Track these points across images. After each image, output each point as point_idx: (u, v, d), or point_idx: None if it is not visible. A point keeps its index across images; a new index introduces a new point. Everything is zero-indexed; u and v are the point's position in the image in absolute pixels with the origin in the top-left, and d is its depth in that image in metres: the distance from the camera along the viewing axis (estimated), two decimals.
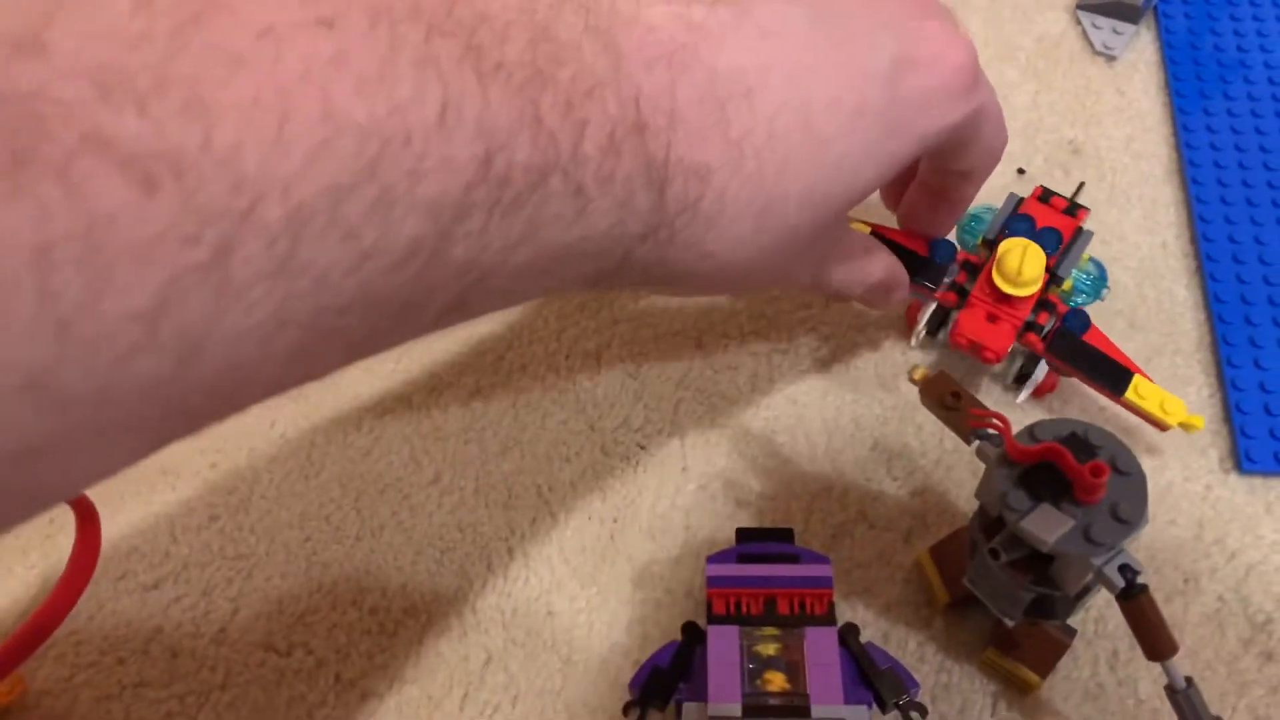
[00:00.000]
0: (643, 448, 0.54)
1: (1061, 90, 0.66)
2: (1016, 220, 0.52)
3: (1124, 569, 0.39)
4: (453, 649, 0.49)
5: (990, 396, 0.54)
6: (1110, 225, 0.60)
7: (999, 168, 0.57)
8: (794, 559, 0.45)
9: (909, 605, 0.49)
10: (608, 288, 0.42)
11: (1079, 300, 0.54)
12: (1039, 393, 0.53)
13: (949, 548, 0.48)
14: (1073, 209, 0.53)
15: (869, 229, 0.53)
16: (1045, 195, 0.54)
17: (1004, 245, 0.50)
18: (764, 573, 0.45)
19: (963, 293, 0.51)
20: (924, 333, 0.54)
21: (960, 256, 0.52)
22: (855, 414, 0.54)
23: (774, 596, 0.44)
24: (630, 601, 0.50)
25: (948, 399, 0.44)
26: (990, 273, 0.50)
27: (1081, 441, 0.40)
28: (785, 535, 0.47)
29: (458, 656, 0.49)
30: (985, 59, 0.67)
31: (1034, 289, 0.50)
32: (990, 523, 0.42)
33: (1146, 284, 0.58)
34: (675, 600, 0.49)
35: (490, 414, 0.56)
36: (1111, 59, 0.66)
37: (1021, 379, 0.52)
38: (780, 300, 0.58)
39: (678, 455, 0.53)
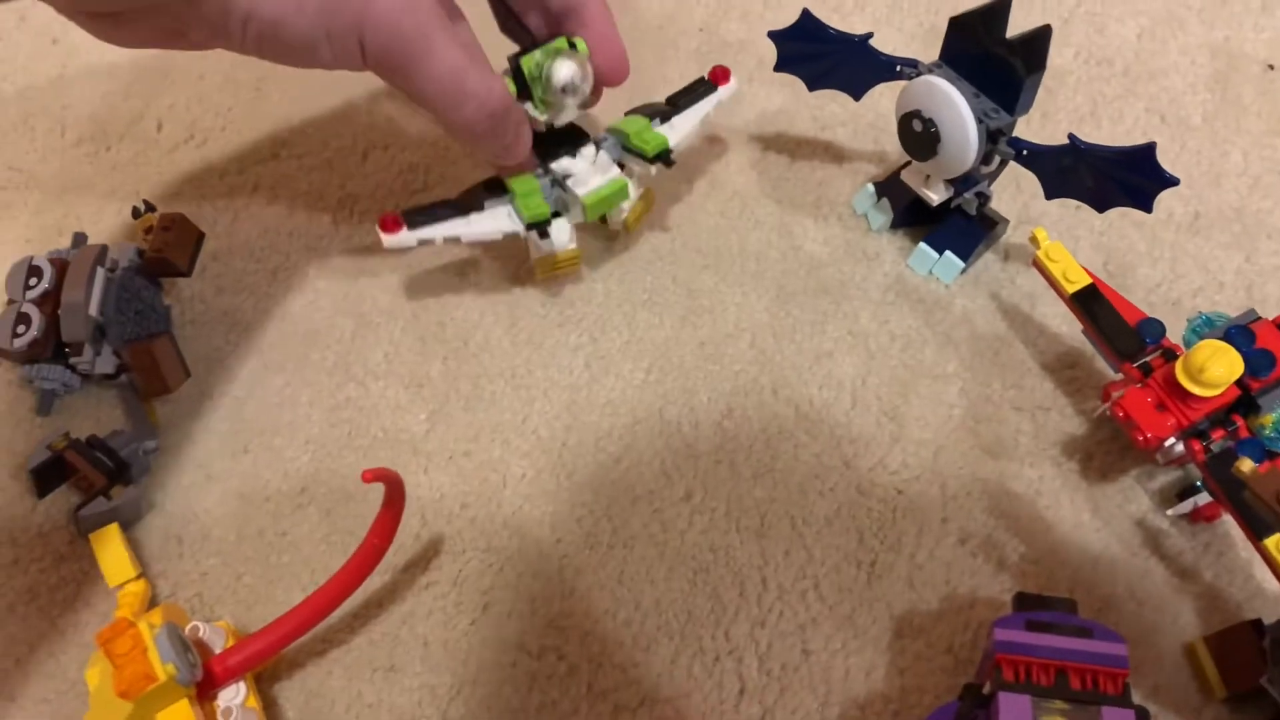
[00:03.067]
0: (900, 492, 0.53)
1: None
2: (1237, 330, 0.49)
3: None
4: (706, 673, 0.48)
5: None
6: None
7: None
8: (1086, 633, 0.44)
9: (1178, 690, 0.47)
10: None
11: (1276, 445, 0.49)
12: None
13: (1230, 640, 0.47)
14: None
15: (1089, 280, 0.52)
16: None
17: (1203, 342, 0.48)
18: (1056, 644, 0.43)
19: (1148, 372, 0.49)
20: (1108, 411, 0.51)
21: (1165, 342, 0.50)
22: (1124, 485, 0.53)
23: (1065, 669, 0.43)
24: (889, 650, 0.49)
25: None
26: (1177, 364, 0.47)
27: None
28: (1068, 606, 0.46)
29: (711, 682, 0.48)
30: None
31: (1212, 393, 0.47)
32: None
33: None
34: (935, 654, 0.48)
35: (742, 437, 0.55)
36: None
37: (1185, 493, 0.51)
38: (1045, 355, 0.57)
39: (938, 505, 0.52)
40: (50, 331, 0.54)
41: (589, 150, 0.56)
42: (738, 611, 0.50)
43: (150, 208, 0.60)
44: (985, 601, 0.50)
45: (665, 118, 0.59)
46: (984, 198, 0.58)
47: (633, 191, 0.58)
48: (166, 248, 0.56)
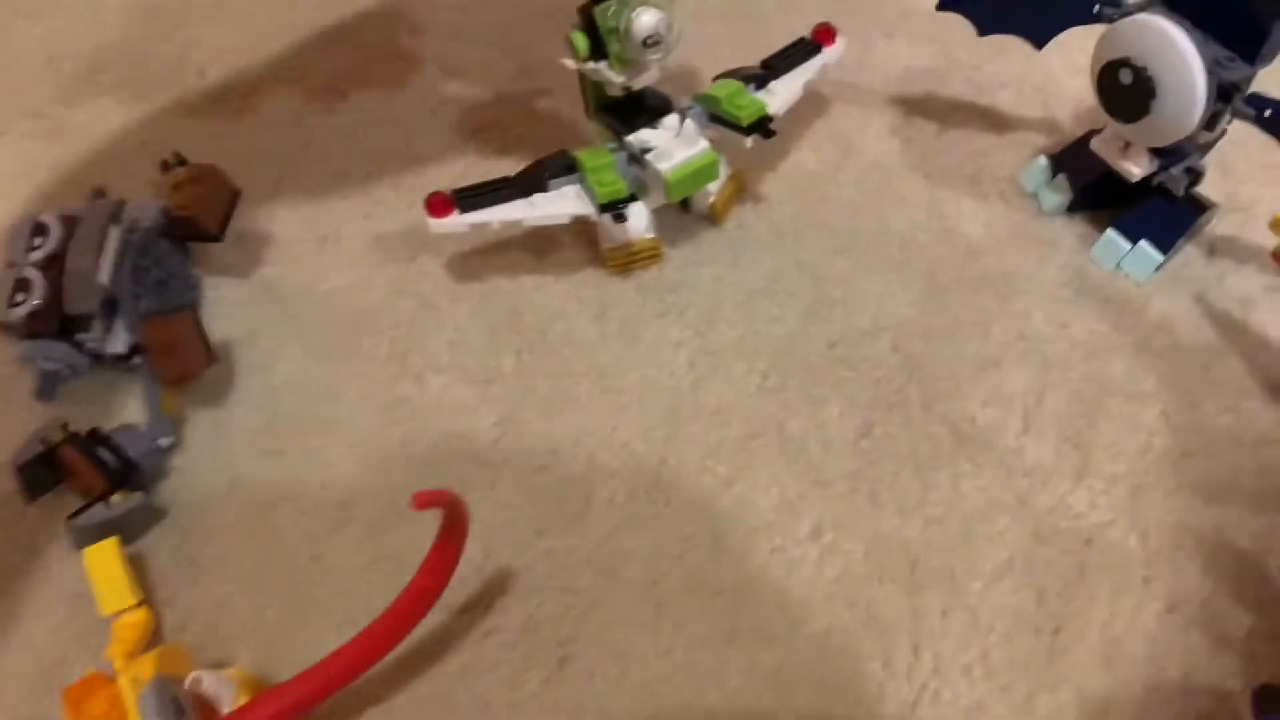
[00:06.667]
0: (1089, 541, 0.42)
1: None
2: None
3: None
4: None
5: None
6: None
7: None
8: None
9: None
10: None
11: None
12: None
13: None
14: None
15: None
16: None
17: None
18: None
19: None
20: None
21: None
22: None
23: None
24: None
25: None
26: None
27: None
28: None
29: None
30: None
31: None
32: None
33: None
34: None
35: (885, 463, 0.44)
36: None
37: None
38: (1269, 373, 0.45)
39: (1138, 561, 0.41)
40: (55, 301, 0.46)
41: (672, 120, 0.48)
42: (882, 688, 0.39)
43: (182, 161, 0.51)
44: (1204, 690, 0.38)
45: (761, 83, 0.51)
46: (1195, 174, 0.47)
47: (722, 171, 0.50)
48: (195, 204, 0.47)
